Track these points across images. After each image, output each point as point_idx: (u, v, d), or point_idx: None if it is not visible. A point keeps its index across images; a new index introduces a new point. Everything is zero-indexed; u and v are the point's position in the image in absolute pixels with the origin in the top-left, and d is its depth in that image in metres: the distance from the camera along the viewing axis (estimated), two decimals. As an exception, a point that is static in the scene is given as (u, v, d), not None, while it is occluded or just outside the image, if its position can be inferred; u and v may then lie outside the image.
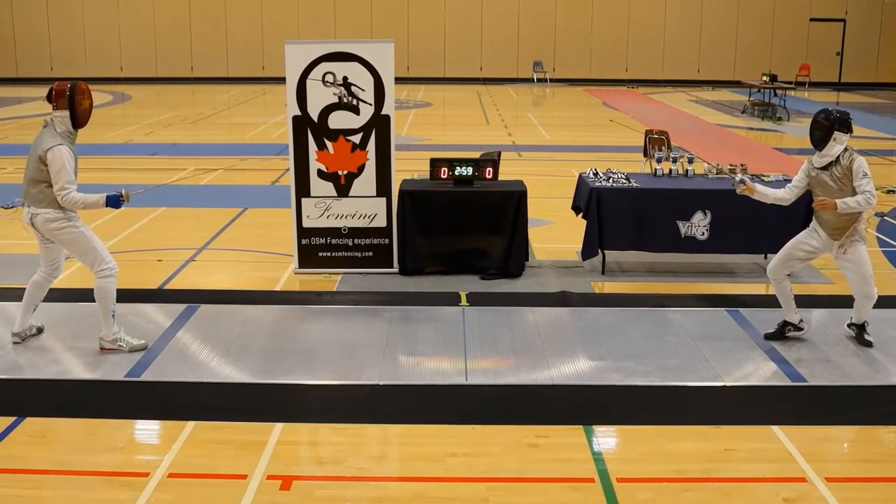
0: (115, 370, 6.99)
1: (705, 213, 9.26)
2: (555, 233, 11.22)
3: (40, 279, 7.48)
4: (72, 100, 7.08)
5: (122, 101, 30.08)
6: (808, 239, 7.51)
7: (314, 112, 9.32)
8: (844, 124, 7.25)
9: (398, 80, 9.45)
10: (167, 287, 9.15)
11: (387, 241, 9.52)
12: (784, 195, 7.61)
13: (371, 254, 9.56)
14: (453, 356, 7.31)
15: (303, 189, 9.47)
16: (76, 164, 7.19)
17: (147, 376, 6.91)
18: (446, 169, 9.52)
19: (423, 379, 6.91)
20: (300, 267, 9.59)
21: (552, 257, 10.15)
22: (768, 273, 7.70)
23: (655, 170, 9.96)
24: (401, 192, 9.41)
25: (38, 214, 7.11)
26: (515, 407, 6.46)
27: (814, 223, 7.50)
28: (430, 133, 20.96)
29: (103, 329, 7.36)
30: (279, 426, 6.06)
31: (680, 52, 37.28)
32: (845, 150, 7.27)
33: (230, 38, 37.59)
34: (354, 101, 9.29)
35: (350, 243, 9.54)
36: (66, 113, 7.09)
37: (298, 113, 9.35)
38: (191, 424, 6.08)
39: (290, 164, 9.49)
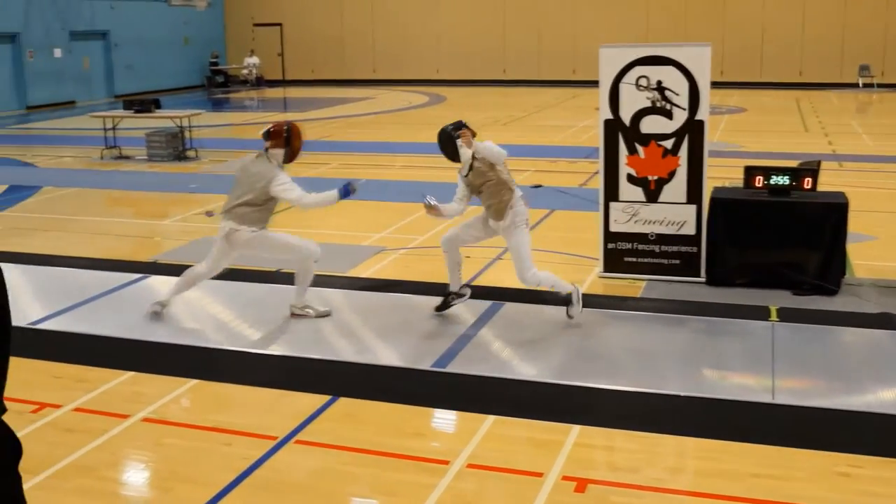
0: (423, 360, 7.29)
1: None
2: (878, 250, 10.49)
3: (202, 270, 8.31)
4: (288, 140, 8.01)
5: (438, 102, 31.31)
6: None
7: (626, 116, 9.26)
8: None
9: (712, 84, 9.20)
10: (474, 283, 9.40)
11: (695, 249, 9.29)
12: None
13: (678, 262, 9.36)
14: (760, 372, 7.01)
15: (611, 193, 9.43)
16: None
17: (452, 368, 7.15)
18: (761, 177, 9.14)
19: (727, 393, 6.68)
20: (605, 271, 9.56)
21: (873, 275, 9.49)
22: None
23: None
24: (712, 200, 9.15)
25: (239, 231, 7.93)
26: (826, 432, 6.09)
27: None
28: (743, 140, 20.25)
29: (295, 298, 8.28)
30: (577, 428, 6.07)
31: None
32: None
33: (542, 42, 38.12)
34: (668, 106, 9.14)
35: (657, 250, 9.39)
36: (282, 151, 7.99)
37: (610, 116, 9.32)
38: (491, 418, 6.23)
39: (600, 167, 9.48)
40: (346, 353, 7.53)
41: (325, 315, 8.27)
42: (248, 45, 40.85)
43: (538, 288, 8.22)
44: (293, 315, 8.28)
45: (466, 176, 7.97)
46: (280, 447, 5.87)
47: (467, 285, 8.54)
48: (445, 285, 8.48)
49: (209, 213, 7.95)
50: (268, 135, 8.02)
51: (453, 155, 7.97)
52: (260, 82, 39.18)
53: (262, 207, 7.95)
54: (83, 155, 19.67)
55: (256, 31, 41.75)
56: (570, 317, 8.09)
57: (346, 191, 8.01)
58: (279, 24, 41.53)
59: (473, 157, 7.96)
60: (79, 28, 33.10)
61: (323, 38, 40.74)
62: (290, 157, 8.08)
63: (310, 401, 6.56)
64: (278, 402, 6.66)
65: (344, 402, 6.57)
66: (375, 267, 10.07)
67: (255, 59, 39.46)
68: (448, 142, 7.93)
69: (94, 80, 34.18)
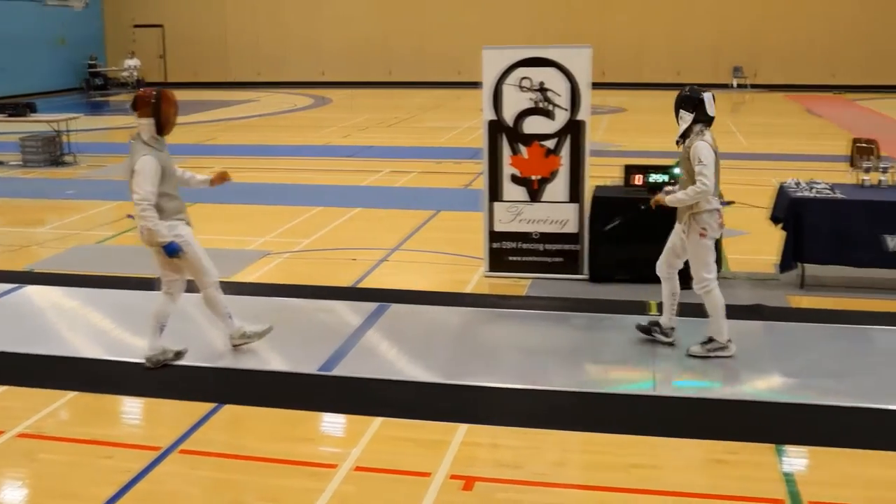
0: (309, 363, 7.24)
1: (916, 227, 8.75)
2: (750, 244, 10.86)
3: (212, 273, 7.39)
4: (157, 108, 7.00)
5: (323, 104, 31.15)
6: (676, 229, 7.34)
7: (509, 117, 9.37)
8: (689, 102, 7.08)
9: (593, 85, 9.39)
10: (360, 285, 9.40)
11: (577, 247, 9.47)
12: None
13: (561, 259, 9.52)
14: (641, 366, 7.19)
15: (495, 193, 9.53)
16: (171, 169, 7.12)
17: (338, 371, 7.12)
18: (640, 176, 9.38)
19: (609, 387, 6.83)
20: (490, 270, 9.66)
21: (746, 269, 9.82)
22: (657, 270, 7.53)
23: (863, 180, 9.48)
24: (593, 199, 9.34)
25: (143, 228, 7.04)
26: (705, 421, 6.28)
27: None
28: (624, 139, 20.70)
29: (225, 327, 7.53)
30: (463, 427, 6.11)
31: (890, 56, 35.27)
32: (694, 132, 7.11)
33: (426, 44, 38.30)
34: (550, 107, 9.29)
35: (540, 248, 9.54)
36: (152, 121, 6.99)
37: (494, 117, 9.42)
38: (378, 420, 6.23)
39: (484, 168, 9.57)
40: (230, 359, 7.41)
41: (267, 332, 7.67)
42: (128, 46, 39.95)
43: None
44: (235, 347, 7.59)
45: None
46: (163, 458, 5.76)
47: (656, 325, 7.67)
48: (329, 287, 8.42)
49: (130, 216, 7.31)
50: (134, 104, 7.06)
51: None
52: (141, 85, 38.31)
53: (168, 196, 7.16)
54: (-47, 162, 18.94)
55: (137, 33, 40.88)
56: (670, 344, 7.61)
57: (172, 249, 6.97)
58: (160, 26, 40.77)
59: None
60: (-55, 28, 31.87)
61: (205, 40, 40.16)
62: (162, 128, 7.04)
63: (193, 409, 6.45)
64: (160, 412, 6.53)
65: (229, 410, 6.48)
66: (260, 271, 9.97)
67: (135, 61, 38.60)
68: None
69: (-38, 82, 32.93)
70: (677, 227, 7.39)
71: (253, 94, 35.03)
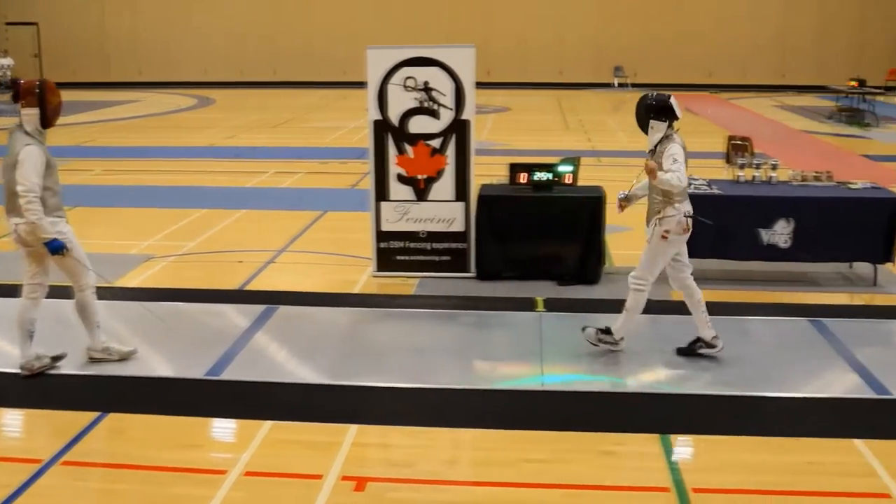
0: (196, 368, 7.12)
1: (788, 221, 9.09)
2: (633, 240, 11.06)
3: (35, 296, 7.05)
4: (42, 97, 6.76)
5: (206, 104, 30.64)
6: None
7: (394, 116, 9.38)
8: (660, 111, 7.01)
9: (478, 84, 9.47)
10: (246, 288, 9.28)
11: (464, 245, 9.54)
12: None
13: (448, 258, 9.57)
14: (529, 362, 7.28)
15: (382, 193, 9.53)
16: (54, 163, 6.85)
17: (226, 375, 7.02)
18: (525, 174, 9.50)
19: (498, 384, 6.91)
20: (378, 270, 9.65)
21: (630, 264, 10.00)
22: (674, 288, 7.47)
23: (738, 176, 9.80)
24: (479, 197, 9.42)
25: (22, 224, 6.72)
26: (592, 414, 6.41)
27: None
28: (509, 138, 20.93)
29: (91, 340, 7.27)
30: (354, 428, 6.10)
31: (764, 56, 36.57)
32: (664, 138, 7.04)
33: (313, 43, 38.04)
34: (435, 106, 9.33)
35: (428, 247, 9.57)
36: (36, 111, 6.73)
37: (379, 117, 9.41)
38: (268, 424, 6.16)
39: (370, 168, 9.55)
40: (113, 366, 7.21)
41: (131, 354, 7.39)
42: (1, 45, 38.53)
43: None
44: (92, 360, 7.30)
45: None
46: (45, 470, 5.58)
47: (698, 341, 7.48)
48: (215, 290, 8.29)
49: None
50: (17, 94, 6.78)
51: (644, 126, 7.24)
52: (14, 85, 36.96)
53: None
54: None
55: (9, 31, 39.48)
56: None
57: (57, 246, 6.69)
58: (34, 24, 39.44)
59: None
60: None
61: (83, 39, 39.05)
62: (47, 119, 6.78)
63: (75, 419, 6.26)
64: (40, 423, 6.34)
65: (113, 418, 6.32)
66: (144, 275, 9.75)
67: (8, 60, 37.19)
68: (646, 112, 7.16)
69: None
70: (647, 230, 7.37)
71: (134, 94, 34.21)
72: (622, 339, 7.42)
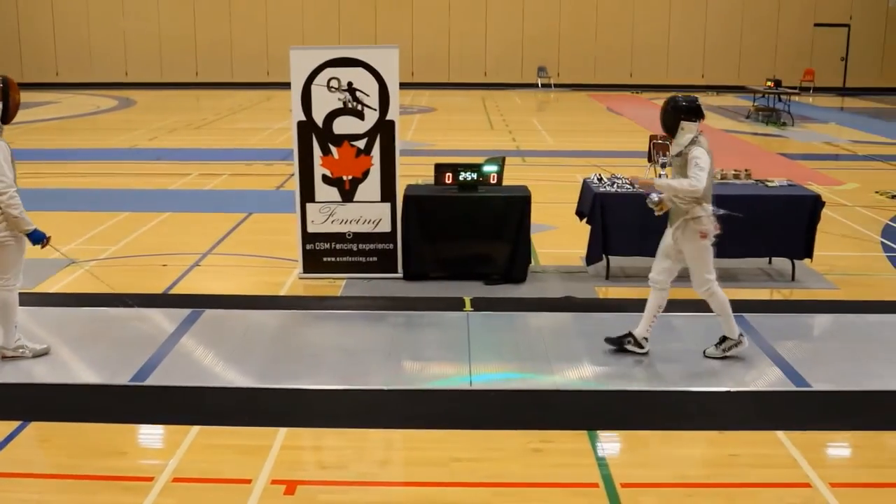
0: (121, 374, 7.00)
1: (709, 219, 9.23)
2: (558, 238, 11.23)
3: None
4: (5, 92, 6.76)
5: (127, 105, 30.14)
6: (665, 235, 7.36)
7: (319, 117, 9.34)
8: (691, 112, 7.05)
9: (402, 85, 9.48)
10: (172, 292, 9.16)
11: (391, 246, 9.54)
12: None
13: (375, 259, 9.56)
14: (457, 361, 7.31)
15: (307, 194, 9.48)
16: (12, 159, 6.92)
17: (152, 381, 6.92)
18: (450, 174, 9.53)
19: (427, 384, 6.92)
20: (305, 272, 9.60)
21: (556, 262, 10.15)
22: (650, 280, 7.44)
23: (659, 175, 9.94)
24: (405, 198, 9.43)
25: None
26: (520, 412, 6.46)
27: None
28: (434, 138, 20.98)
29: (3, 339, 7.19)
30: (283, 431, 6.06)
31: (684, 57, 37.25)
32: (691, 141, 7.02)
33: (235, 44, 37.65)
34: (359, 107, 9.31)
35: (354, 248, 9.55)
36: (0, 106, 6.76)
37: (303, 118, 9.37)
38: (195, 429, 6.09)
39: (295, 169, 9.50)
40: (35, 373, 7.06)
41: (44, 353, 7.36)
42: None
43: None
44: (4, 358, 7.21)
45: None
46: (-36, 481, 5.46)
47: (628, 336, 7.45)
48: (140, 295, 8.16)
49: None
50: None
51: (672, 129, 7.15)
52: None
53: None
54: None
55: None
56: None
57: (39, 237, 6.91)
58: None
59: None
60: None
61: (-5, 39, 38.07)
62: (10, 115, 6.85)
63: (-4, 428, 6.13)
64: (-40, 433, 6.18)
65: (35, 427, 6.18)
66: (64, 280, 9.56)
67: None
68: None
69: None
70: (668, 231, 7.30)
71: (52, 95, 33.47)
72: (742, 334, 7.33)
